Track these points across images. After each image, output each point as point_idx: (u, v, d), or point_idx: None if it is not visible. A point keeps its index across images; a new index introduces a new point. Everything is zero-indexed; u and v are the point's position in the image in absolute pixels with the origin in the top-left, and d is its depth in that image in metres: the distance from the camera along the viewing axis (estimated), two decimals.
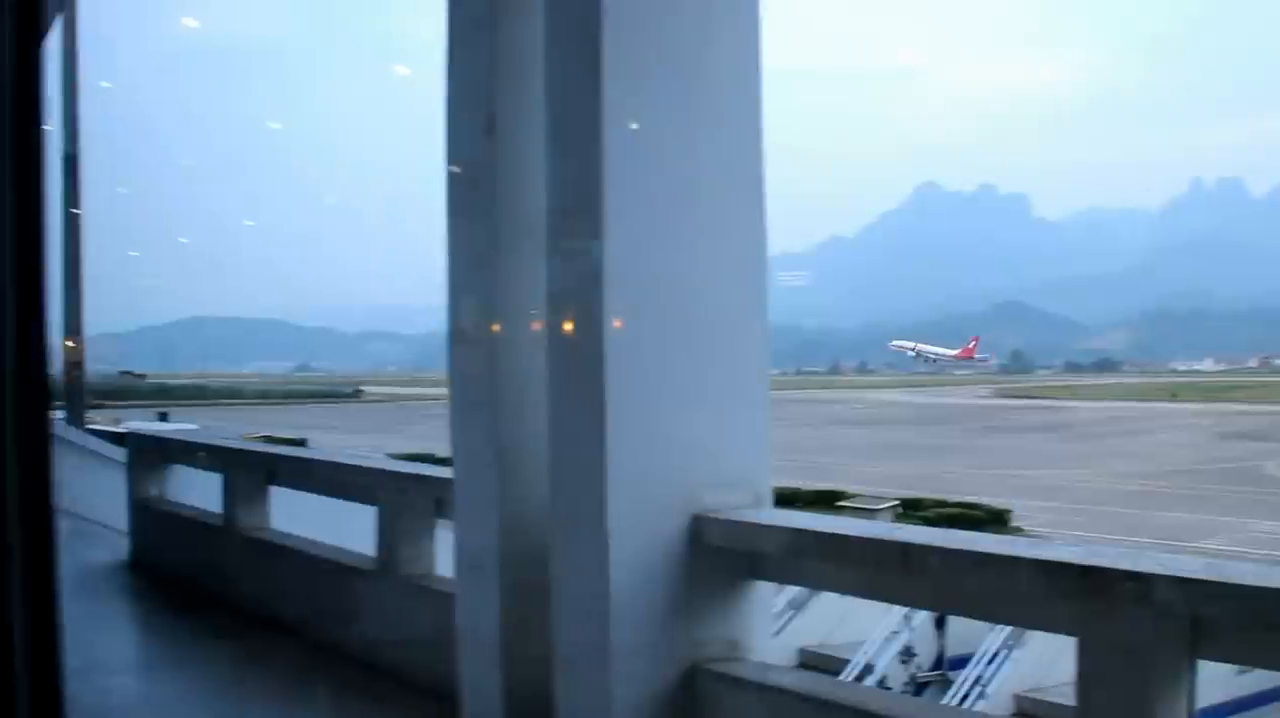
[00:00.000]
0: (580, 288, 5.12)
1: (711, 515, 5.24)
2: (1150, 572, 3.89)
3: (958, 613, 5.68)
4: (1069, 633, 4.15)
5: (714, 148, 5.30)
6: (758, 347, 5.51)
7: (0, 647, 0.96)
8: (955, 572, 4.61)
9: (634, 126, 5.08)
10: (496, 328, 5.73)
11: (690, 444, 5.27)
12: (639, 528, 5.12)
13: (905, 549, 4.74)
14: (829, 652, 22.41)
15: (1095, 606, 4.01)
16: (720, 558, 5.29)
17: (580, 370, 5.13)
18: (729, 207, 5.36)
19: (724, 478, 5.34)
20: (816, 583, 6.36)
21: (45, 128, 0.88)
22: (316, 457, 9.91)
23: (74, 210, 18.40)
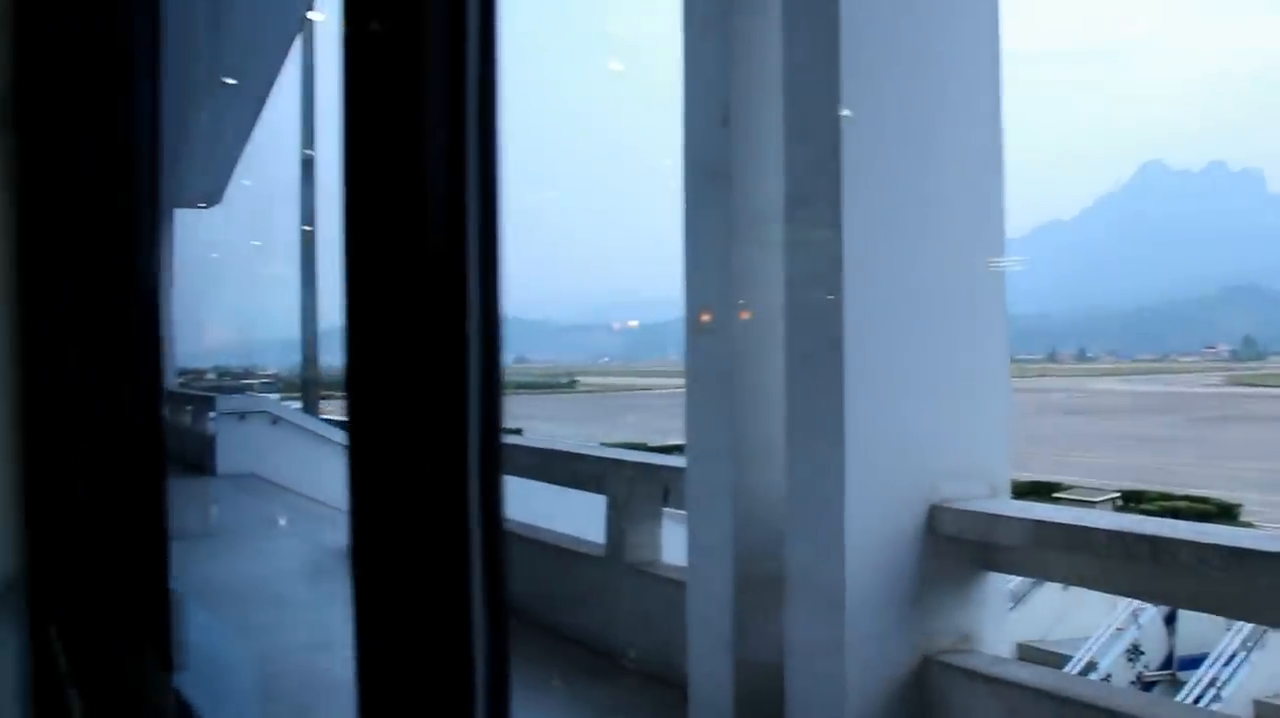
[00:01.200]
0: (818, 277, 5.13)
1: (948, 506, 5.19)
2: None
3: (1212, 612, 5.48)
4: None
5: (952, 133, 5.25)
6: (996, 334, 5.42)
7: (459, 643, 1.02)
8: (1211, 568, 4.44)
9: (871, 114, 5.06)
10: (733, 318, 5.78)
11: (927, 433, 5.23)
12: (875, 518, 5.11)
13: (1154, 543, 4.60)
14: (1048, 647, 21.78)
15: None
16: (956, 549, 5.23)
17: (818, 360, 5.14)
18: (967, 193, 5.29)
19: (961, 468, 5.27)
20: (1055, 576, 6.22)
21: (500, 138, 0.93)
22: (545, 446, 10.12)
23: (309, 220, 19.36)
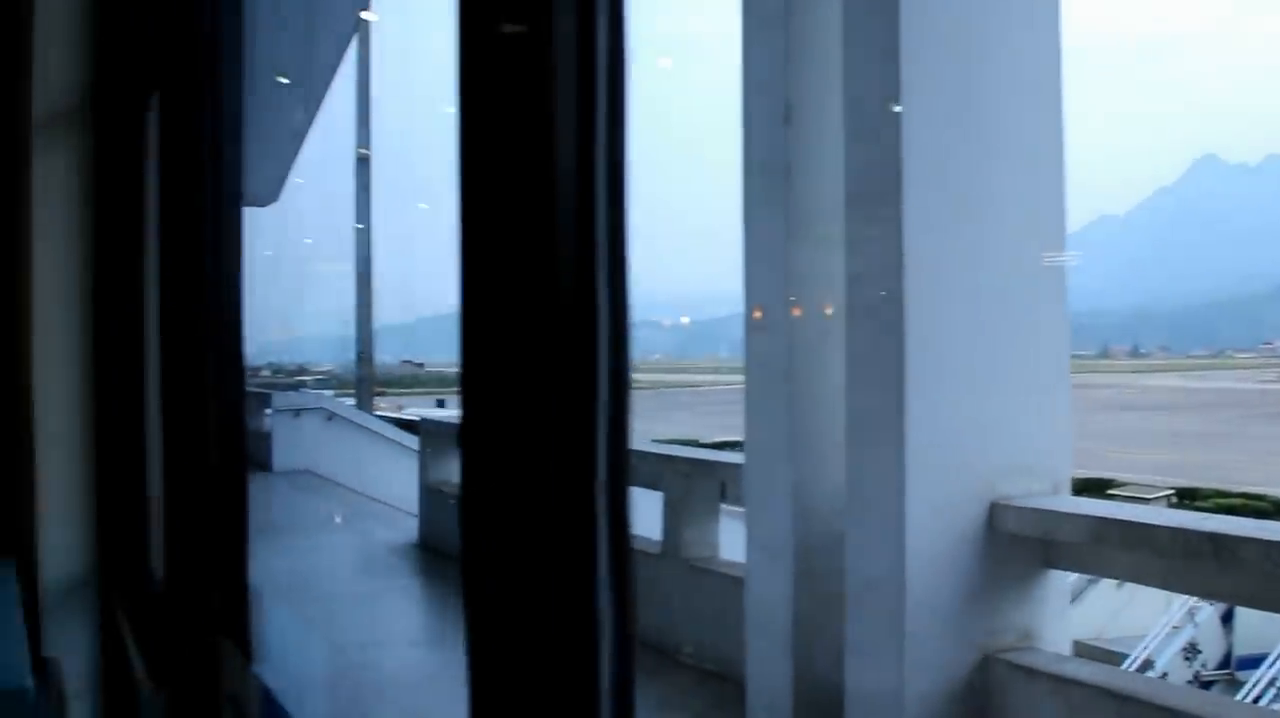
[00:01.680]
0: (878, 274, 5.12)
1: (1009, 503, 5.16)
2: None
3: (1276, 610, 5.42)
4: None
5: (1013, 129, 5.23)
6: (1057, 330, 5.39)
7: (584, 661, 1.00)
8: (1275, 565, 4.40)
9: (932, 110, 5.04)
10: (793, 315, 5.78)
11: (988, 430, 5.21)
12: (936, 515, 5.09)
13: (1216, 540, 4.56)
14: (1104, 645, 21.53)
15: None
16: (1017, 546, 5.21)
17: (879, 356, 5.13)
18: (1028, 189, 5.26)
19: (1021, 464, 5.25)
20: (1117, 574, 6.19)
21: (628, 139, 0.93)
22: None
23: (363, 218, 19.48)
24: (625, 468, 1.02)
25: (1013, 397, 5.26)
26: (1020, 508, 5.14)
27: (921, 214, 5.02)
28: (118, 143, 3.40)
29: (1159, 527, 4.83)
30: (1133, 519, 4.98)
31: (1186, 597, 17.54)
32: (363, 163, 19.37)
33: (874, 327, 5.17)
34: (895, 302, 5.00)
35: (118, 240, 3.51)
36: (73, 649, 3.67)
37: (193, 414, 2.13)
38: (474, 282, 1.00)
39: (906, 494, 4.99)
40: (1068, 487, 5.44)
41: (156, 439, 3.68)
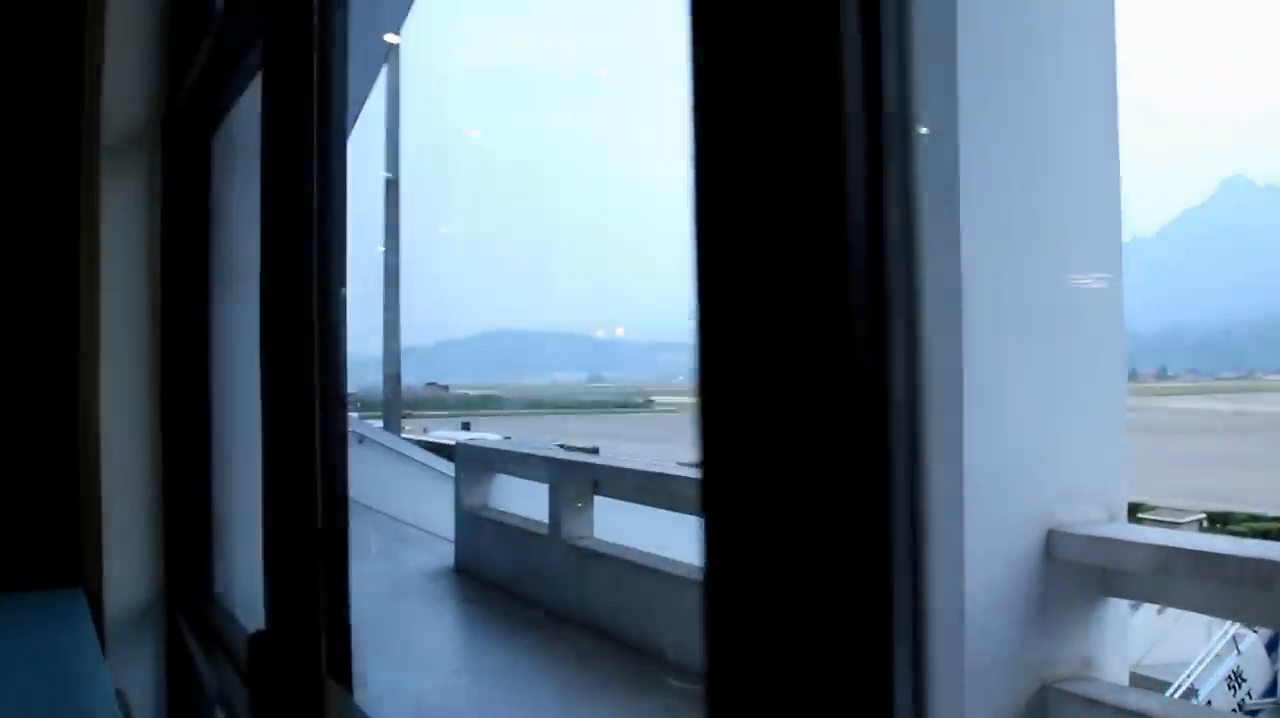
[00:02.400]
0: (934, 297, 5.06)
1: (1067, 531, 5.08)
2: None
3: None
4: None
5: (1069, 150, 5.18)
6: (1113, 354, 5.33)
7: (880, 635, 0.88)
8: None
9: (987, 131, 4.99)
10: None
11: (1045, 456, 5.14)
12: (994, 541, 5.02)
13: None
14: (1145, 673, 21.21)
15: None
16: (1075, 574, 5.13)
17: (936, 381, 5.06)
18: (1084, 210, 5.21)
19: (1077, 491, 5.18)
20: (1179, 603, 6.09)
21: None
22: (643, 468, 10.11)
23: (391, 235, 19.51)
24: (923, 537, 0.89)
25: (1069, 421, 5.19)
26: (1080, 535, 5.06)
27: (978, 236, 4.97)
28: (186, 166, 3.40)
29: (1227, 556, 4.75)
30: (1197, 548, 4.90)
31: (1228, 623, 17.32)
32: (390, 186, 19.43)
33: (931, 350, 5.11)
34: (953, 324, 4.94)
35: (186, 261, 3.50)
36: (140, 682, 3.64)
37: (300, 457, 2.08)
38: (725, 303, 0.91)
39: (965, 521, 4.92)
40: (1123, 514, 5.36)
41: (224, 467, 3.66)
